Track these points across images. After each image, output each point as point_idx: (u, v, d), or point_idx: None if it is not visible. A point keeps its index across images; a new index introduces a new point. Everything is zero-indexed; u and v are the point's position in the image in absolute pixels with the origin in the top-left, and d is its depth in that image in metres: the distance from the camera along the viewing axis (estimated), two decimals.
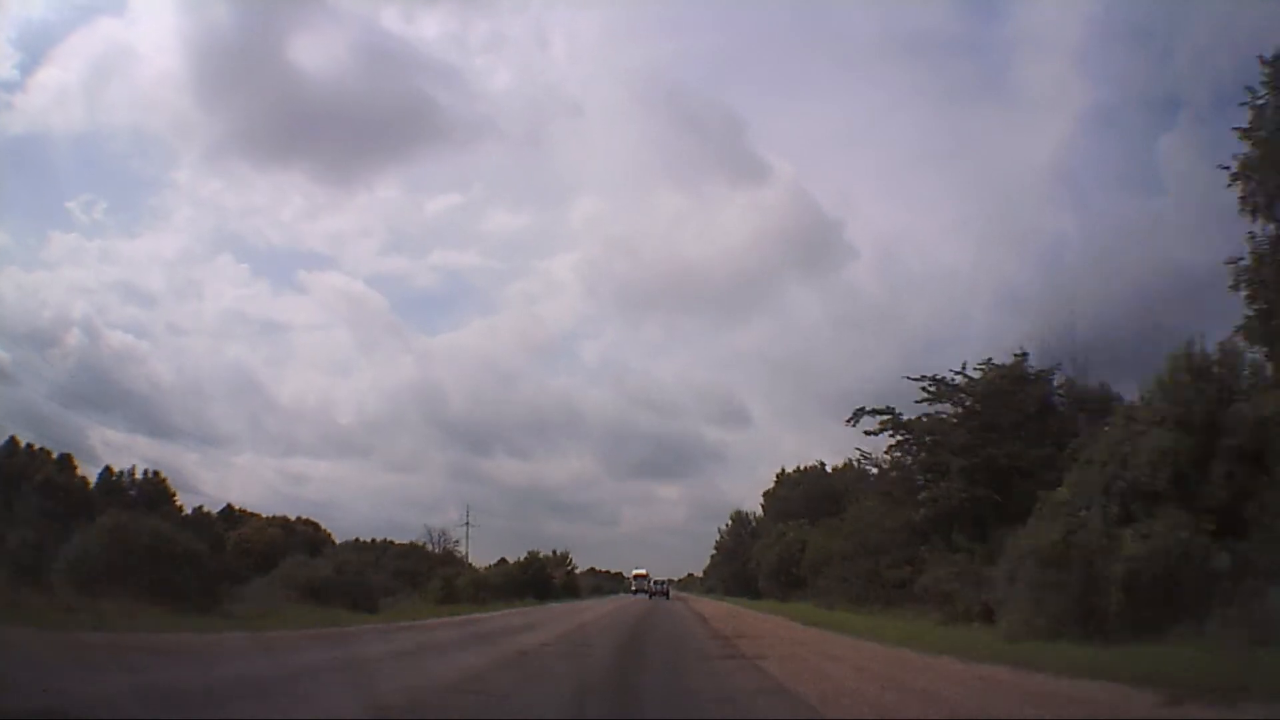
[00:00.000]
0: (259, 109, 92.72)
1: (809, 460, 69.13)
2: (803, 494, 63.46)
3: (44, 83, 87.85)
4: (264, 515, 62.53)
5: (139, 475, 51.00)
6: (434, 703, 9.87)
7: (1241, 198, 18.03)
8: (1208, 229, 64.65)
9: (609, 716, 9.94)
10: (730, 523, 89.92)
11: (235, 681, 10.85)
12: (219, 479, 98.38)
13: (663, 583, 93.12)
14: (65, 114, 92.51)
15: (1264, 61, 17.79)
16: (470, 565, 66.84)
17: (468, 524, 73.15)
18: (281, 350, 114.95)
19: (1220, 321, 18.56)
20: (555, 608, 49.35)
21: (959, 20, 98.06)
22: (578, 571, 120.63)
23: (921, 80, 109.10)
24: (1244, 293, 17.82)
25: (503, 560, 72.96)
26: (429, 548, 64.76)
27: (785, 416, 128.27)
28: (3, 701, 7.75)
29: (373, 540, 66.03)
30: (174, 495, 48.53)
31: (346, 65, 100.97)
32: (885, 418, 31.22)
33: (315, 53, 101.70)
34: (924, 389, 29.92)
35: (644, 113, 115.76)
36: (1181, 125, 79.38)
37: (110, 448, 73.78)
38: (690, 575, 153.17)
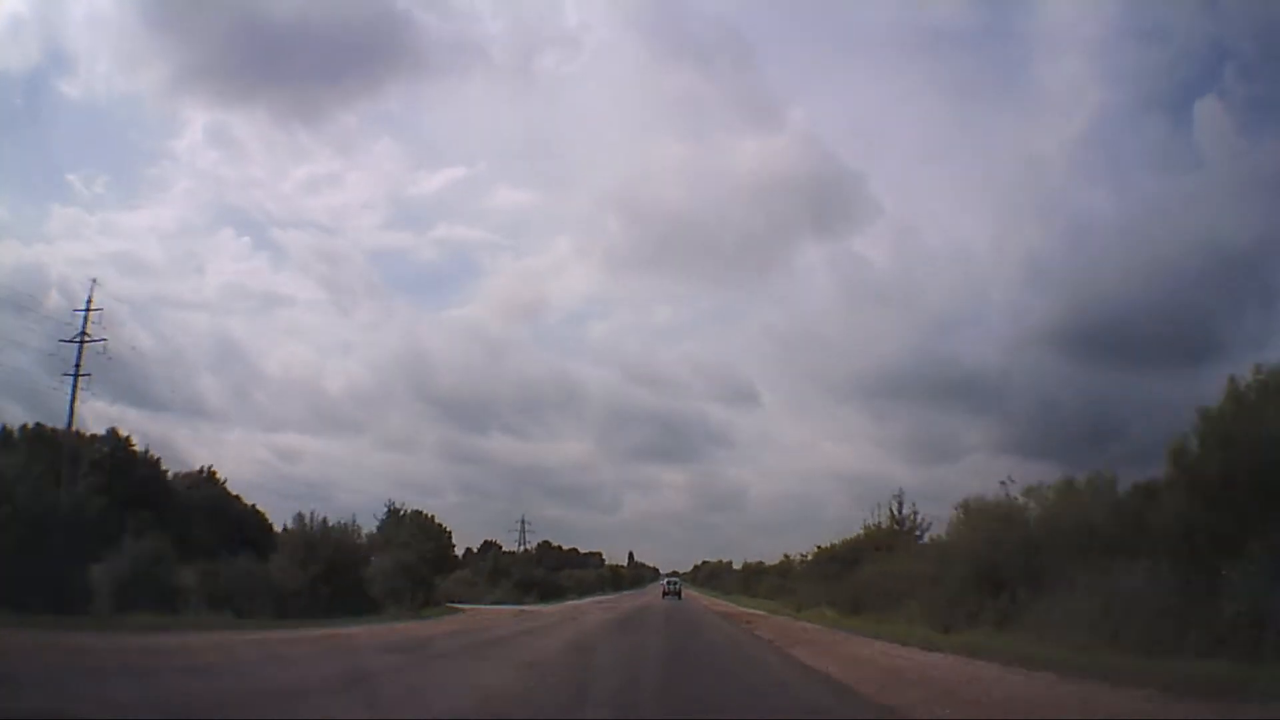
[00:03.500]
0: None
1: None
2: None
3: None
4: None
5: None
6: None
7: None
8: (1246, 202, 65.03)
9: None
10: None
11: None
12: (212, 455, 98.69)
13: (675, 581, 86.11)
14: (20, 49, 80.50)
15: None
16: None
17: None
18: (276, 324, 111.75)
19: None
20: None
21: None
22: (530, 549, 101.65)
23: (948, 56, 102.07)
24: None
25: None
26: None
27: (794, 399, 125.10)
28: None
29: None
30: None
31: None
32: None
33: None
34: None
35: (647, 49, 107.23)
36: (1226, 81, 74.76)
37: (100, 419, 57.78)
38: (705, 562, 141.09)
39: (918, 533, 46.44)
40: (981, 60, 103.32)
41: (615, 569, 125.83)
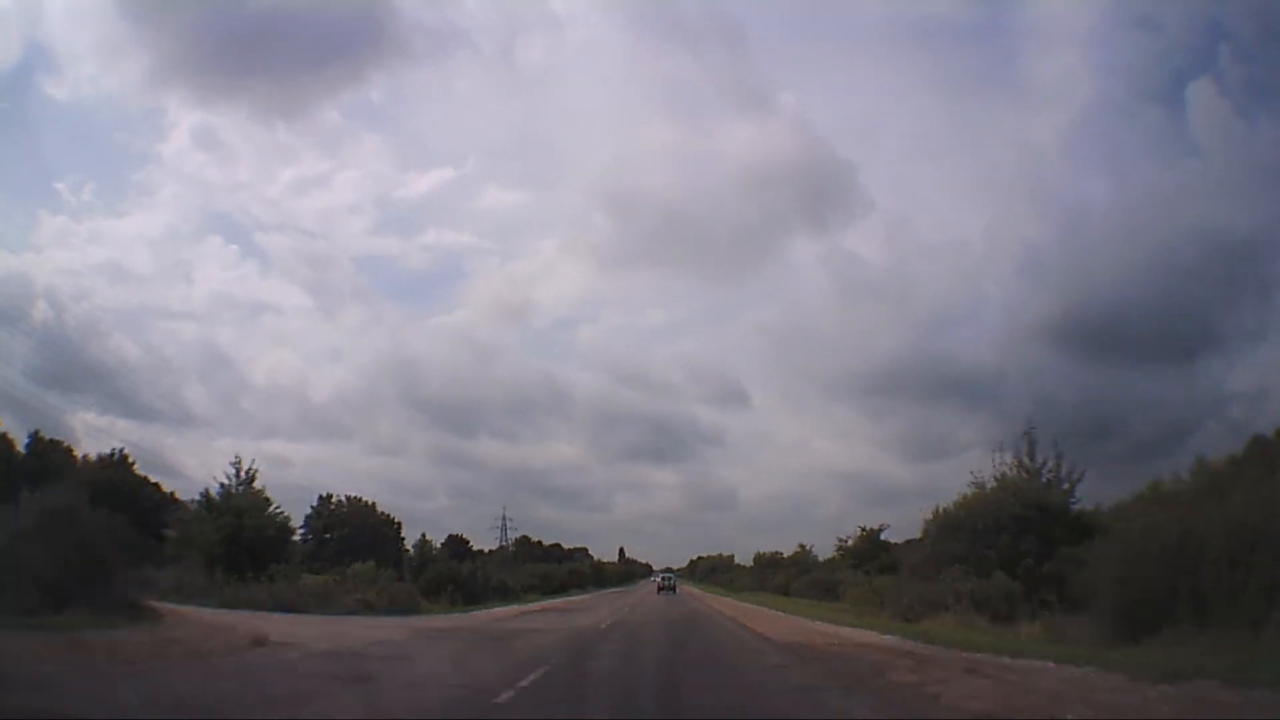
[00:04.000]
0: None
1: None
2: None
3: None
4: None
5: None
6: None
7: None
8: (1243, 188, 60.54)
9: None
10: None
11: None
12: (202, 463, 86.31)
13: (670, 576, 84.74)
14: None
15: None
16: None
17: None
18: (265, 331, 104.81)
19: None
20: None
21: None
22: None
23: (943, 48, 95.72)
24: None
25: None
26: None
27: (786, 397, 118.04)
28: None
29: None
30: None
31: None
32: None
33: None
34: None
35: (635, 34, 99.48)
36: (1221, 63, 72.43)
37: (90, 430, 54.93)
38: (701, 557, 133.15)
39: (1064, 484, 26.49)
40: (974, 50, 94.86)
41: (598, 564, 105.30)
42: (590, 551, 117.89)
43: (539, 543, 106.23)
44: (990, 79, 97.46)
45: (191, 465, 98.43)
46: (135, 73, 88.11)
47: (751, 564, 78.76)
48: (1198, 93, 72.28)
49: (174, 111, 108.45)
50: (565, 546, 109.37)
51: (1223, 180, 66.54)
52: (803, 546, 73.00)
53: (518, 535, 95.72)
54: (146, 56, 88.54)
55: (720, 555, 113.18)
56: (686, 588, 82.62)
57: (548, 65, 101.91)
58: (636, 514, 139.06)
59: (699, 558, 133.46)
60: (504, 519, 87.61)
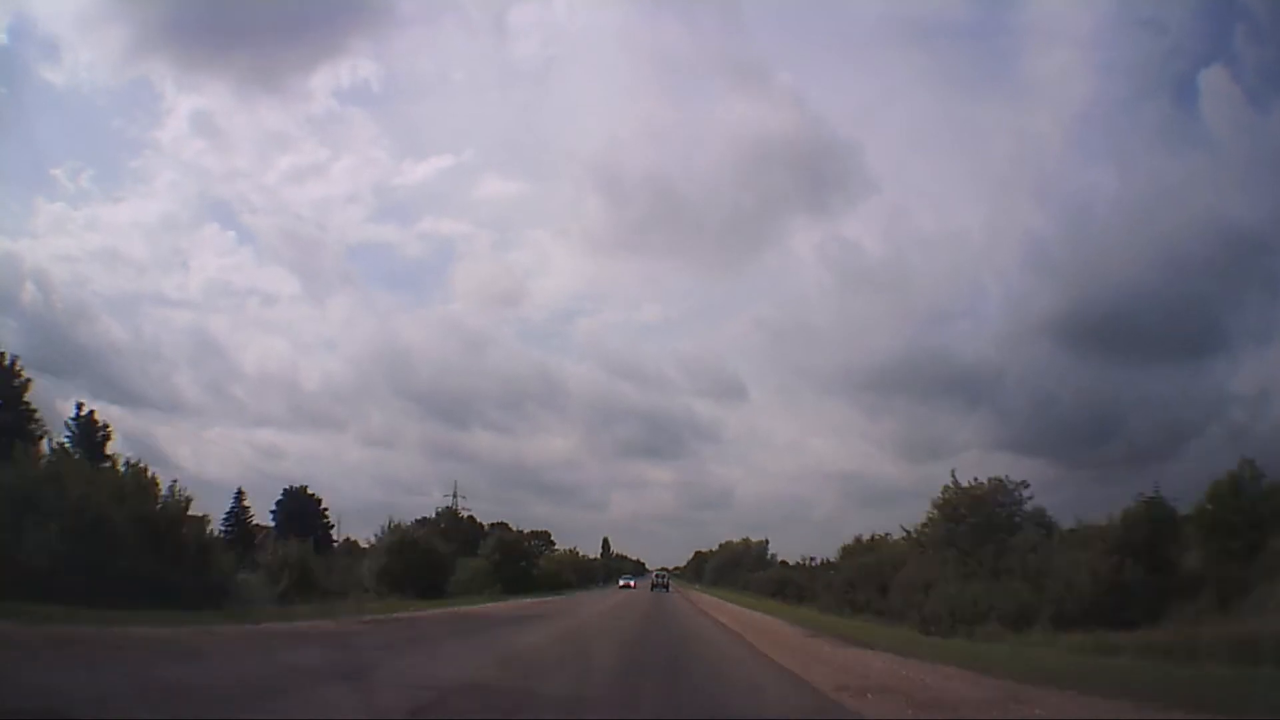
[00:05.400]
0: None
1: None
2: None
3: None
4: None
5: None
6: None
7: None
8: (1254, 179, 50.73)
9: None
10: None
11: None
12: (194, 452, 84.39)
13: (663, 574, 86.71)
14: None
15: None
16: None
17: None
18: (259, 319, 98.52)
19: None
20: None
21: None
22: None
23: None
24: None
25: None
26: None
27: (782, 393, 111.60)
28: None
29: None
30: None
31: None
32: None
33: None
34: None
35: (619, 13, 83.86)
36: (1236, 44, 59.72)
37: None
38: (701, 553, 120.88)
39: None
40: (977, 45, 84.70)
41: (514, 546, 74.03)
42: (554, 538, 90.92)
43: (471, 518, 76.09)
44: (994, 74, 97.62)
45: (183, 454, 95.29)
46: (122, 47, 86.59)
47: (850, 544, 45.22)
48: (1210, 80, 69.49)
49: (170, 97, 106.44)
50: (514, 528, 77.77)
51: (1232, 171, 65.54)
52: (907, 530, 41.58)
53: (461, 513, 76.20)
54: (131, 30, 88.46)
55: (744, 542, 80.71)
56: (699, 596, 62.89)
57: (543, 50, 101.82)
58: (632, 513, 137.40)
59: (696, 554, 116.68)
60: (455, 495, 76.13)
